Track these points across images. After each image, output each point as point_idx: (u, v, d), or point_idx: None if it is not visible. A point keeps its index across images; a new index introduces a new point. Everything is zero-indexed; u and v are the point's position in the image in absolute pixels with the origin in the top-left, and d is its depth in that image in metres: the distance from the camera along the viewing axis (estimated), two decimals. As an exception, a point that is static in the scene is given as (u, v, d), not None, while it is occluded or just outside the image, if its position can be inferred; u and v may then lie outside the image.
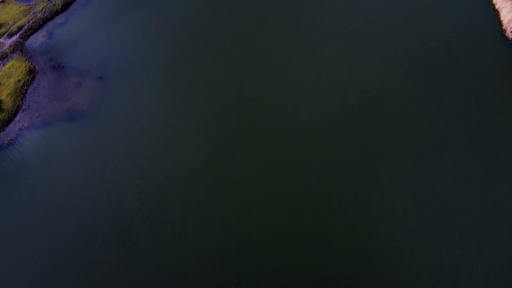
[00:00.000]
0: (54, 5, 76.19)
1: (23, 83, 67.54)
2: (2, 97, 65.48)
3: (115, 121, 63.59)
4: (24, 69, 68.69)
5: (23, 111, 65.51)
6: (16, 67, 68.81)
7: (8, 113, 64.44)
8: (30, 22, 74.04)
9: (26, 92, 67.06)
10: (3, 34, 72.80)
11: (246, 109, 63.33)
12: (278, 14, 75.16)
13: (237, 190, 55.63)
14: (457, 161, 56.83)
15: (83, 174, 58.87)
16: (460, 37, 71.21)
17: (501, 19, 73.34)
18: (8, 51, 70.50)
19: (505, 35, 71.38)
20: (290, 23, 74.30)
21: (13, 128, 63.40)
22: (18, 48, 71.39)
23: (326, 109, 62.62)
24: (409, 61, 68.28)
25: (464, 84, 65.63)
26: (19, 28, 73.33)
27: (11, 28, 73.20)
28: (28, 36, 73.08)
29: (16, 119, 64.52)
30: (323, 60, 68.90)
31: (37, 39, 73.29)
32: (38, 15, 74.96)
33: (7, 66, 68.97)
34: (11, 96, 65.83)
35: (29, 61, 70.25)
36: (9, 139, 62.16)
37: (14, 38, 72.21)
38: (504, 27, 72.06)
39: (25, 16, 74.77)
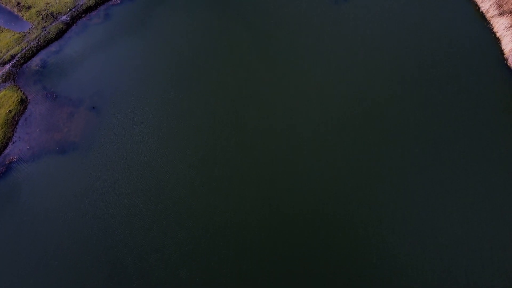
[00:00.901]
0: (49, 33, 74.87)
1: (15, 114, 65.65)
2: (-8, 129, 63.56)
3: (107, 154, 61.55)
4: (16, 99, 66.88)
5: (13, 143, 63.43)
6: (7, 97, 67.01)
7: (-2, 146, 62.44)
8: (24, 51, 72.55)
9: (17, 123, 65.10)
10: (-4, 63, 71.37)
11: (243, 143, 61.45)
12: (276, 44, 73.97)
13: (233, 229, 53.30)
14: (460, 185, 55.02)
15: (72, 210, 56.53)
16: (461, 66, 70.17)
17: (503, 47, 72.42)
18: (0, 81, 68.78)
19: (506, 64, 70.30)
20: (288, 50, 73.11)
21: (2, 161, 61.22)
22: (11, 77, 69.73)
23: (324, 132, 60.88)
24: (409, 88, 66.93)
25: (465, 114, 64.43)
26: (12, 57, 71.81)
27: (4, 56, 71.66)
28: (21, 65, 71.50)
29: (6, 151, 62.39)
30: (320, 89, 67.49)
31: (30, 68, 71.67)
32: (32, 43, 73.55)
33: (-2, 96, 67.31)
34: (2, 128, 63.84)
35: (21, 90, 68.50)
36: (-3, 173, 60.03)
37: (7, 67, 70.61)
38: (505, 56, 71.06)
39: (19, 44, 73.33)
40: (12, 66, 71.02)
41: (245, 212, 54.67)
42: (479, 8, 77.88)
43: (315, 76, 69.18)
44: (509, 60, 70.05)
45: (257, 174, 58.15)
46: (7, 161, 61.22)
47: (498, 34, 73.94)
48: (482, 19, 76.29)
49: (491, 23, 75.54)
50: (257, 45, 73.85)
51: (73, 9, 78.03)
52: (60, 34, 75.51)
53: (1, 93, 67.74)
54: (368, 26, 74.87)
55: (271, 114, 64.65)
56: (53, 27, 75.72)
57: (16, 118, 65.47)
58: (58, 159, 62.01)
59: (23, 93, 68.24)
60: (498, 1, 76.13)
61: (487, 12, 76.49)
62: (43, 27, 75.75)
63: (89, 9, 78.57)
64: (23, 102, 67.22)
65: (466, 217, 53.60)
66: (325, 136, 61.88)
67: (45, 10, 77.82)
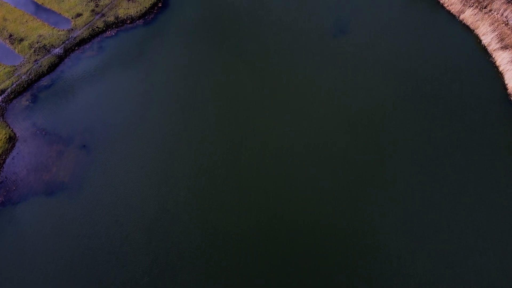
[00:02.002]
0: (40, 66, 72.93)
1: (2, 153, 63.10)
2: (-23, 169, 60.90)
3: (97, 195, 58.83)
4: (4, 137, 64.42)
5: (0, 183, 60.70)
6: (-5, 134, 64.60)
7: (-17, 187, 59.69)
8: (14, 85, 70.47)
9: (4, 163, 62.51)
10: (-16, 98, 69.18)
11: (241, 184, 58.89)
12: (274, 77, 72.05)
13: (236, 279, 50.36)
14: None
15: (60, 257, 53.62)
16: (463, 101, 68.28)
17: (506, 82, 70.69)
18: (-12, 117, 66.52)
19: (510, 99, 68.41)
20: (287, 84, 71.17)
21: (-13, 204, 58.40)
22: (0, 113, 67.41)
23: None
24: (410, 124, 64.84)
25: (468, 151, 62.33)
26: (2, 91, 69.67)
27: (-7, 91, 69.55)
28: (11, 100, 69.31)
29: (-9, 193, 59.61)
30: (320, 125, 65.34)
31: (20, 103, 69.47)
32: (23, 77, 71.53)
33: (-15, 133, 64.88)
34: (-12, 168, 61.21)
35: (9, 127, 66.12)
36: (-19, 217, 57.11)
37: (-4, 102, 68.45)
38: (509, 91, 69.24)
39: (9, 78, 71.28)
40: (2, 101, 68.82)
41: (246, 248, 51.77)
42: (480, 41, 76.45)
43: (314, 110, 67.10)
44: (512, 95, 68.28)
45: (255, 223, 55.40)
46: (-8, 204, 58.41)
47: (501, 68, 72.26)
48: (484, 52, 74.73)
49: (493, 56, 73.94)
50: (255, 79, 71.93)
51: (66, 42, 76.28)
52: (52, 67, 73.55)
53: (-11, 130, 65.35)
54: (368, 60, 73.19)
55: (269, 147, 62.46)
56: (45, 60, 73.80)
57: (3, 157, 62.90)
58: (46, 201, 59.29)
59: (11, 130, 65.83)
60: (500, 34, 74.73)
61: (489, 45, 75.01)
62: (35, 60, 73.82)
63: (82, 42, 76.82)
64: (11, 140, 64.75)
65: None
66: (327, 185, 59.49)
67: (37, 43, 76.04)
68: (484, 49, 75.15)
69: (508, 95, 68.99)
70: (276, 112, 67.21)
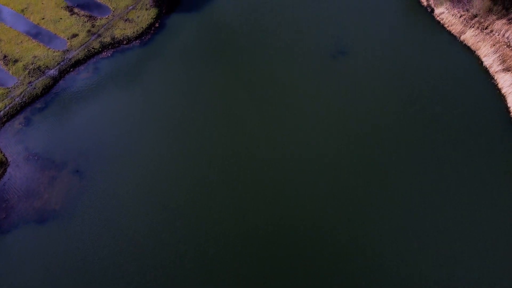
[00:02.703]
0: (34, 88, 71.60)
1: (-8, 178, 61.30)
2: (-33, 197, 59.09)
3: (90, 223, 57.09)
4: (-5, 162, 62.72)
5: (-11, 211, 58.85)
6: (-14, 160, 62.90)
7: (-28, 215, 57.88)
8: (7, 108, 69.01)
9: (-6, 189, 60.67)
10: (-23, 121, 67.72)
11: (239, 207, 57.12)
12: (272, 99, 70.73)
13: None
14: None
15: (51, 286, 51.60)
16: (466, 125, 66.87)
17: (508, 105, 69.45)
18: (-20, 141, 64.86)
19: (513, 122, 67.00)
20: (285, 106, 69.85)
21: (-25, 233, 56.47)
22: (-9, 136, 65.81)
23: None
24: (411, 148, 63.39)
25: (470, 174, 60.97)
26: (-5, 114, 68.14)
27: (-14, 114, 68.04)
28: (4, 123, 67.79)
29: (-20, 221, 57.73)
30: (319, 148, 63.86)
31: (13, 127, 67.94)
32: (17, 99, 70.14)
33: (-24, 158, 63.24)
34: (-23, 194, 59.38)
35: (1, 151, 64.53)
36: (-31, 247, 55.17)
37: (-12, 125, 66.89)
38: (512, 114, 67.85)
39: (2, 100, 69.88)
40: (-6, 125, 67.27)
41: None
42: (482, 62, 75.31)
43: (313, 131, 65.73)
44: (516, 118, 66.84)
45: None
46: (-19, 233, 56.49)
47: (503, 91, 71.02)
48: (485, 74, 73.54)
49: (495, 78, 72.75)
50: (253, 101, 70.64)
51: (62, 63, 75.07)
52: (47, 89, 72.22)
53: (-20, 155, 63.71)
54: (367, 82, 71.95)
55: (267, 170, 61.07)
56: (40, 82, 72.50)
57: (-6, 183, 61.11)
58: (37, 229, 57.54)
59: (3, 155, 64.20)
60: (501, 56, 73.65)
61: (491, 67, 73.86)
62: (29, 82, 72.51)
63: (78, 63, 75.64)
64: (3, 165, 63.08)
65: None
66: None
67: (32, 64, 74.83)
68: (485, 70, 73.97)
69: (511, 118, 67.55)
70: (275, 131, 66.09)
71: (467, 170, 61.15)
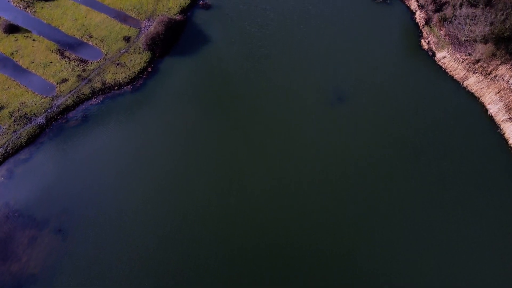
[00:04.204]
0: (19, 137, 68.46)
1: (-32, 239, 57.34)
2: None
3: (70, 292, 52.76)
4: (-28, 220, 58.84)
5: (-38, 276, 54.68)
6: (-37, 217, 59.07)
7: None
8: (-11, 159, 65.61)
9: (-30, 251, 56.64)
10: (-44, 174, 64.22)
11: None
12: (270, 148, 67.39)
13: None
14: None
15: None
16: (474, 178, 63.53)
17: (511, 143, 66.52)
18: (-43, 197, 61.19)
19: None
20: (285, 155, 66.53)
21: None
22: (-29, 191, 62.19)
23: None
24: (418, 209, 59.67)
25: (479, 228, 58.30)
26: (-24, 166, 64.68)
27: (-34, 166, 64.61)
28: (-16, 176, 64.17)
29: (-48, 288, 53.49)
30: (318, 197, 60.18)
31: (-6, 180, 64.37)
32: (0, 149, 66.77)
33: (-48, 217, 59.43)
34: (-49, 258, 55.35)
35: (-20, 208, 60.64)
36: None
37: (-32, 178, 63.36)
38: (515, 153, 64.43)
39: (-15, 151, 66.54)
40: (-26, 178, 63.75)
41: None
42: (487, 110, 72.25)
43: (312, 186, 62.36)
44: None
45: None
46: (-49, 302, 52.21)
47: (510, 141, 67.86)
48: (491, 122, 70.49)
49: (501, 127, 69.64)
50: (249, 149, 67.31)
51: (49, 110, 72.16)
52: (32, 139, 69.07)
53: (-43, 212, 59.91)
54: (368, 134, 68.78)
55: (263, 215, 58.20)
56: (25, 131, 69.40)
57: (-30, 244, 57.17)
58: (13, 297, 53.09)
59: (-18, 212, 60.37)
60: (507, 104, 70.63)
61: (496, 115, 70.80)
62: (14, 131, 69.42)
63: (66, 110, 72.71)
64: (-19, 223, 59.14)
65: None
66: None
67: (18, 111, 71.94)
68: (491, 118, 70.88)
69: (515, 158, 64.18)
70: (270, 179, 63.26)
71: (476, 222, 58.21)
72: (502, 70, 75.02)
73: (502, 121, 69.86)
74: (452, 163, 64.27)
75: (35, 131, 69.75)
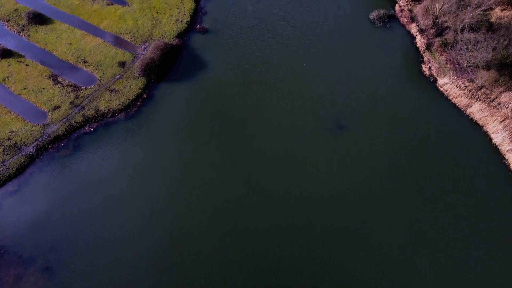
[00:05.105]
0: (8, 168, 66.16)
1: (-50, 278, 54.52)
2: None
3: (55, 338, 49.73)
4: (-45, 257, 56.13)
5: None
6: None
7: None
8: (-24, 192, 63.10)
9: (-49, 291, 53.81)
10: None
11: None
12: (265, 177, 64.99)
13: None
14: None
15: None
16: (478, 211, 60.85)
17: (513, 171, 64.43)
18: None
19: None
20: (284, 187, 64.09)
21: None
22: (-45, 226, 59.56)
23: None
24: (423, 248, 57.02)
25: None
26: (-39, 199, 62.18)
27: (-48, 199, 62.10)
28: (-30, 210, 61.64)
29: None
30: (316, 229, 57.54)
31: (-20, 214, 61.79)
32: (-13, 181, 64.44)
33: None
34: None
35: (-36, 244, 57.98)
36: None
37: (-47, 212, 60.77)
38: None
39: (-28, 182, 64.10)
40: (-41, 212, 61.18)
41: None
42: (491, 139, 70.06)
43: (312, 219, 59.82)
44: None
45: None
46: None
47: (506, 156, 65.82)
48: (495, 152, 68.31)
49: (506, 158, 67.38)
50: (245, 179, 64.92)
51: (40, 139, 69.98)
52: (21, 169, 66.76)
53: None
54: (370, 161, 66.63)
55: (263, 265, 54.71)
56: (14, 161, 67.14)
57: (-49, 284, 54.36)
58: None
59: (-34, 248, 57.69)
60: (512, 134, 68.57)
61: (501, 145, 68.63)
62: (3, 161, 67.15)
63: (57, 139, 70.55)
64: (-36, 261, 56.40)
65: None
66: None
67: (8, 140, 69.76)
68: (495, 148, 68.65)
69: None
70: (268, 211, 60.87)
71: (481, 256, 55.72)
72: (506, 97, 73.12)
73: (507, 151, 67.68)
74: (457, 197, 61.86)
75: (24, 161, 67.46)
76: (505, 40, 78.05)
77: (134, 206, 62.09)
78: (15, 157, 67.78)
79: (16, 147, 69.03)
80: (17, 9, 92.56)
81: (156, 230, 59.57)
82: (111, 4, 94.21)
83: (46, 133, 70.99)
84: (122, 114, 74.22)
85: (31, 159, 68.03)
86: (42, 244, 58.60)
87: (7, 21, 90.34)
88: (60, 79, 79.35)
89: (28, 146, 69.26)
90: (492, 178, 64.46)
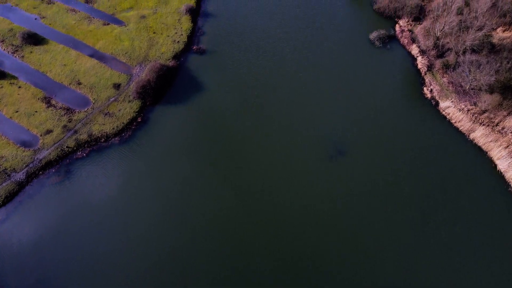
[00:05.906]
0: (-4, 196, 63.78)
1: None
2: None
3: None
4: None
5: None
6: None
7: None
8: (-38, 221, 60.70)
9: None
10: None
11: None
12: (263, 205, 62.70)
13: None
14: None
15: None
16: (490, 249, 58.47)
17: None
18: None
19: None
20: (284, 213, 61.76)
21: None
22: None
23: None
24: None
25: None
26: None
27: None
28: (-45, 240, 59.14)
29: None
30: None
31: (-34, 244, 59.30)
32: (-25, 209, 62.02)
33: None
34: None
35: None
36: None
37: None
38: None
39: (-42, 211, 61.72)
40: None
41: None
42: (495, 165, 67.93)
43: (310, 244, 57.41)
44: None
45: None
46: None
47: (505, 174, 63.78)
48: (501, 179, 66.15)
49: (511, 186, 65.11)
50: (244, 206, 62.79)
51: (30, 165, 67.85)
52: (10, 197, 64.56)
53: None
54: (371, 190, 64.46)
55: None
56: (3, 189, 64.96)
57: None
58: None
59: (-51, 282, 55.09)
60: (517, 161, 66.45)
61: (506, 172, 66.53)
62: (-9, 189, 64.83)
63: (49, 165, 68.43)
64: None
65: None
66: None
67: (-3, 166, 67.57)
68: (500, 175, 66.45)
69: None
70: (266, 240, 58.27)
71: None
72: (510, 121, 71.34)
73: (512, 178, 65.55)
74: (463, 228, 59.59)
75: (14, 189, 65.28)
76: (508, 62, 76.60)
77: (126, 239, 59.67)
78: (4, 184, 65.58)
79: (6, 174, 66.88)
80: (12, 29, 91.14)
81: (149, 261, 57.00)
82: (107, 24, 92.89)
83: (37, 158, 68.88)
84: (116, 138, 72.20)
85: (21, 186, 65.83)
86: (29, 278, 56.24)
87: (1, 41, 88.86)
88: (53, 102, 77.53)
89: (18, 173, 67.09)
90: (499, 208, 62.51)
